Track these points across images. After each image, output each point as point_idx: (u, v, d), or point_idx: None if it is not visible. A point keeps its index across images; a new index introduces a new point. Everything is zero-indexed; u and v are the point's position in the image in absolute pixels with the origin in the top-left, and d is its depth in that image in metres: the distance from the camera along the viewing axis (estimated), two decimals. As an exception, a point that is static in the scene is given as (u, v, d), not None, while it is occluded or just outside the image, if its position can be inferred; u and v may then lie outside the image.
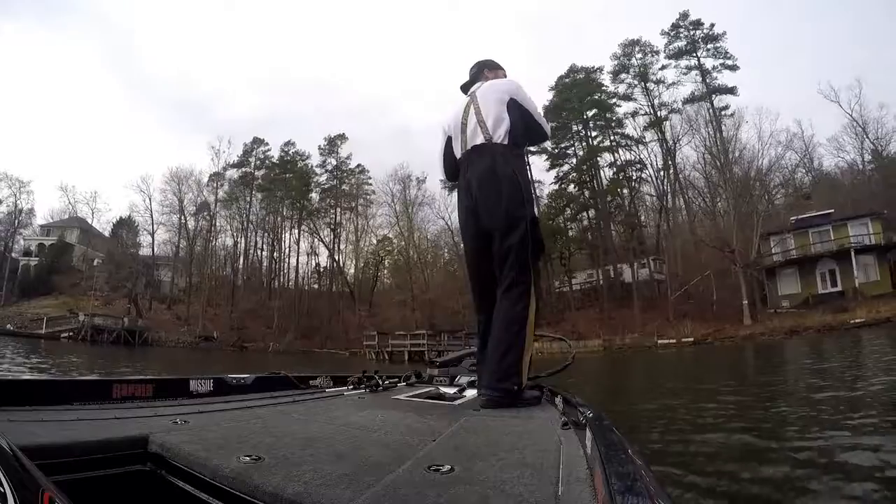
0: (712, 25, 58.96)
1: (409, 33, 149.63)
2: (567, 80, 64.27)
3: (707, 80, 58.47)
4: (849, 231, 42.91)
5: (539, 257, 3.04)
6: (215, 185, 72.63)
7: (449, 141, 3.36)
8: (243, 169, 75.75)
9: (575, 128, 63.85)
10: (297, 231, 75.85)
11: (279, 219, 75.40)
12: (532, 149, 60.45)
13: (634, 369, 20.62)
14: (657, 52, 61.89)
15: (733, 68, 58.08)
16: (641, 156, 62.50)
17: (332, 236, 74.74)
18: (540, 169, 64.57)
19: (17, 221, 70.62)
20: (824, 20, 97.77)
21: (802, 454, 3.96)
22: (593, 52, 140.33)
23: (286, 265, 77.35)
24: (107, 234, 75.05)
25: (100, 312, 53.82)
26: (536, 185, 63.91)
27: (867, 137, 57.54)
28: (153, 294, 66.87)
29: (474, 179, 3.08)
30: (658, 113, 61.01)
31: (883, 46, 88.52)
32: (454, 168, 3.30)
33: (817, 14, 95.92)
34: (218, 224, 73.12)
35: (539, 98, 64.08)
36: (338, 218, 75.36)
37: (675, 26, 60.38)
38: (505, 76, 3.51)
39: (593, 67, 64.26)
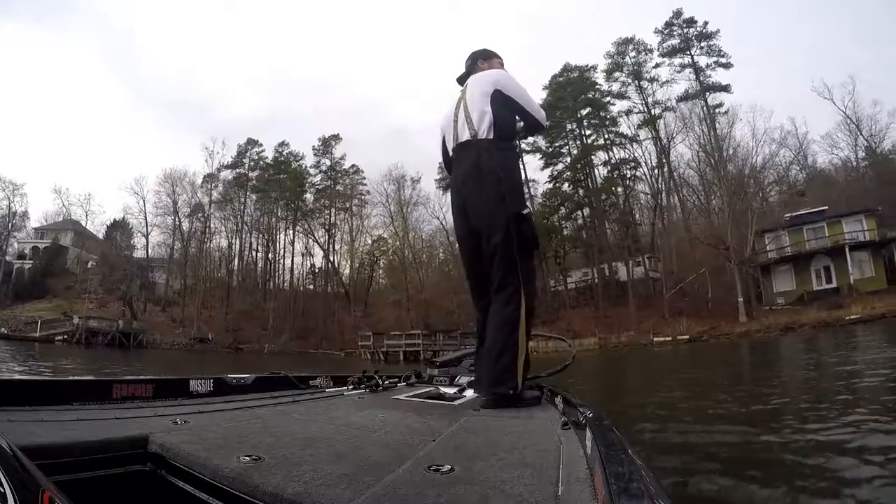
0: (706, 23, 59.23)
1: (407, 33, 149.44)
2: (561, 78, 64.32)
3: (701, 78, 58.66)
4: (843, 228, 43.09)
5: (531, 255, 2.97)
6: (209, 186, 72.56)
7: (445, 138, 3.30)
8: (237, 170, 75.63)
9: (569, 126, 63.89)
10: (291, 232, 75.91)
11: (274, 220, 75.21)
12: (526, 147, 61.35)
13: (630, 367, 20.65)
14: (651, 51, 62.06)
15: (727, 66, 58.31)
16: (636, 154, 62.89)
17: (326, 237, 74.75)
18: (534, 168, 64.77)
19: (10, 224, 70.22)
20: (818, 19, 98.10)
21: (800, 450, 3.97)
22: (587, 50, 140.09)
23: (281, 266, 77.36)
24: (101, 236, 74.40)
25: (94, 315, 53.55)
26: (531, 183, 64.09)
27: (861, 134, 57.93)
28: (148, 296, 66.56)
29: (461, 177, 3.06)
30: (652, 111, 61.18)
31: (880, 46, 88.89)
32: (451, 166, 3.24)
33: (812, 14, 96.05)
34: (212, 225, 73.15)
35: (534, 97, 64.36)
36: (332, 218, 75.33)
37: (668, 24, 60.51)
38: (501, 65, 3.43)
39: (587, 66, 64.37)
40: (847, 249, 41.17)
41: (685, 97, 58.84)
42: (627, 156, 62.88)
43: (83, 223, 75.84)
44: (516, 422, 2.14)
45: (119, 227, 72.16)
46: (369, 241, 75.82)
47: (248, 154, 76.36)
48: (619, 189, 62.40)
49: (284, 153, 76.56)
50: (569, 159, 64.11)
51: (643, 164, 62.41)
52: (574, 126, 63.71)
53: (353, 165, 76.63)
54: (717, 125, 55.17)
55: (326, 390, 3.43)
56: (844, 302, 36.21)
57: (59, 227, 74.18)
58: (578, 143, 63.55)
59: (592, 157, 62.63)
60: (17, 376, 9.37)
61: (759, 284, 46.18)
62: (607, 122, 62.76)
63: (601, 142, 62.70)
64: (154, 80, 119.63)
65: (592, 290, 58.07)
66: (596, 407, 1.96)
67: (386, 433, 1.80)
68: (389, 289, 72.03)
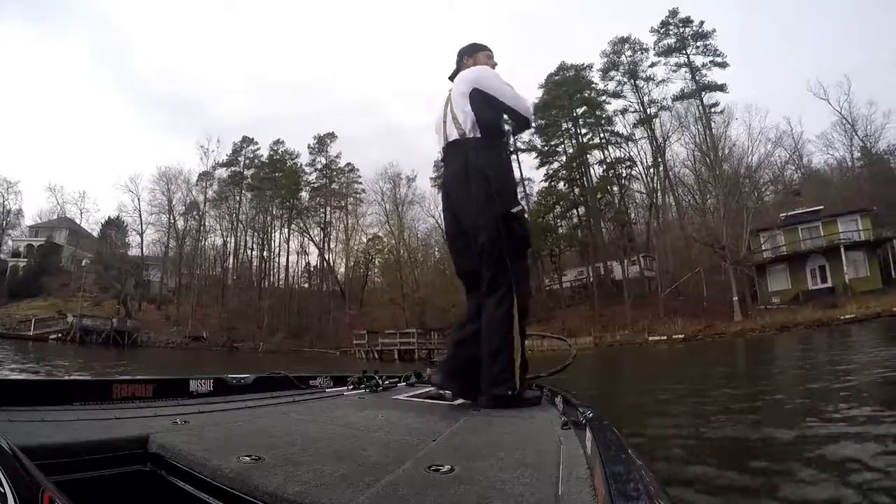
0: (702, 23, 59.30)
1: (405, 31, 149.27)
2: (557, 77, 64.24)
3: (696, 78, 58.68)
4: (838, 227, 43.23)
5: (522, 254, 2.95)
6: (204, 184, 72.19)
7: None
8: (232, 168, 75.39)
9: (564, 125, 63.88)
10: (286, 230, 75.60)
11: (269, 218, 75.08)
12: (521, 146, 61.38)
13: (626, 366, 20.67)
14: (647, 50, 62.05)
15: (723, 66, 58.40)
16: (631, 153, 62.85)
17: (322, 235, 74.39)
18: (530, 166, 64.77)
19: (5, 222, 70.23)
20: (814, 20, 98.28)
21: (796, 446, 3.99)
22: (584, 50, 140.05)
23: (276, 265, 77.11)
24: (96, 234, 74.29)
25: (88, 313, 53.32)
26: (526, 182, 64.20)
27: (856, 134, 58.38)
28: (142, 294, 66.33)
29: (449, 177, 3.05)
30: (647, 110, 61.13)
31: (875, 46, 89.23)
32: None
33: (807, 14, 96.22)
34: (207, 224, 72.87)
35: (528, 96, 64.24)
36: (328, 217, 74.97)
37: (664, 24, 60.53)
38: (489, 58, 3.36)
39: (583, 65, 64.24)
40: (842, 249, 41.34)
41: (681, 96, 58.91)
42: (623, 155, 62.91)
43: (78, 221, 75.93)
44: (516, 422, 2.14)
45: (114, 225, 72.00)
46: (364, 240, 75.63)
47: (243, 152, 76.11)
48: (615, 188, 62.36)
49: (280, 151, 76.32)
50: (564, 158, 64.08)
51: (639, 163, 62.53)
52: (570, 125, 63.65)
53: (348, 164, 76.47)
54: (713, 124, 55.32)
55: (326, 390, 3.44)
56: (839, 301, 36.29)
57: (53, 225, 74.09)
58: (574, 141, 63.53)
59: (588, 155, 62.65)
60: (17, 376, 9.36)
61: (755, 284, 46.23)
62: (603, 121, 62.70)
63: (597, 141, 62.67)
64: (149, 77, 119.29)
65: (588, 289, 58.15)
66: (596, 407, 1.97)
67: (386, 433, 1.80)
68: (384, 287, 71.75)
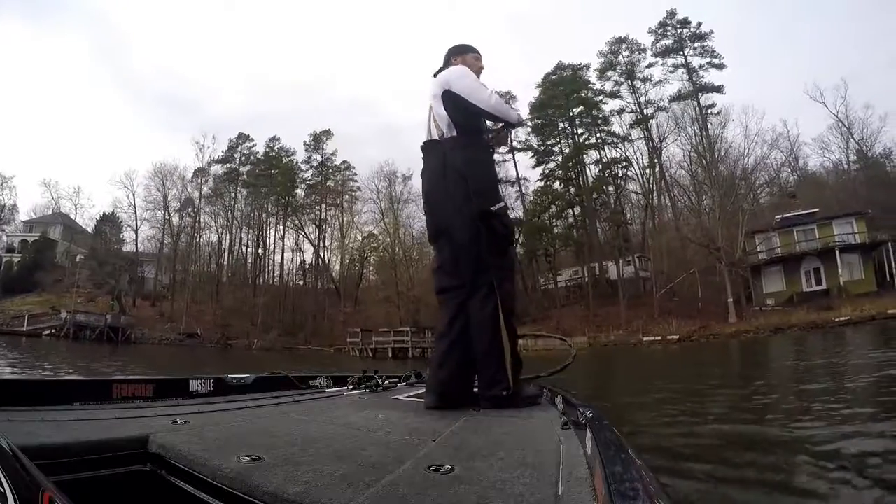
0: (699, 24, 59.35)
1: (404, 31, 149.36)
2: (554, 77, 64.29)
3: (693, 79, 58.74)
4: (833, 230, 43.33)
5: (504, 252, 2.92)
6: (200, 180, 71.93)
7: None
8: (228, 165, 75.19)
9: (561, 125, 64.06)
10: (282, 227, 75.51)
11: (264, 215, 74.82)
12: (517, 145, 61.45)
13: (620, 366, 20.69)
14: (644, 50, 62.14)
15: (720, 67, 58.45)
16: (627, 153, 62.88)
17: (317, 233, 74.27)
18: (525, 166, 64.88)
19: (-1, 217, 69.91)
20: (811, 20, 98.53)
21: (791, 444, 4.01)
22: (581, 51, 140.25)
23: (271, 262, 77.00)
24: (90, 230, 74.04)
25: (82, 309, 53.26)
26: (522, 181, 64.36)
27: (852, 137, 58.53)
28: (137, 291, 66.05)
29: (426, 177, 3.06)
30: (644, 111, 61.30)
31: (875, 48, 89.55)
32: None
33: (803, 14, 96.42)
34: (202, 220, 72.58)
35: (526, 96, 64.16)
36: (323, 214, 74.86)
37: (662, 24, 60.62)
38: (475, 61, 3.31)
39: (580, 65, 64.28)
40: (837, 251, 41.40)
41: (678, 97, 58.92)
42: (619, 155, 62.98)
43: (72, 217, 75.68)
44: (516, 422, 2.15)
45: (108, 221, 71.71)
46: (360, 238, 75.37)
47: (238, 149, 75.93)
48: (611, 188, 62.55)
49: (276, 148, 76.12)
50: (560, 157, 64.14)
51: (635, 163, 62.50)
52: (566, 124, 63.82)
53: (344, 161, 76.25)
54: (710, 126, 55.27)
55: (326, 390, 3.44)
56: (834, 304, 36.41)
57: (48, 220, 73.62)
58: (570, 141, 63.72)
59: (584, 155, 62.77)
60: (17, 376, 9.33)
61: (749, 285, 46.43)
62: (599, 121, 62.82)
63: (593, 141, 62.77)
64: (148, 75, 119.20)
65: (582, 289, 58.11)
66: (596, 407, 1.97)
67: (386, 433, 1.81)
68: (379, 285, 71.66)
